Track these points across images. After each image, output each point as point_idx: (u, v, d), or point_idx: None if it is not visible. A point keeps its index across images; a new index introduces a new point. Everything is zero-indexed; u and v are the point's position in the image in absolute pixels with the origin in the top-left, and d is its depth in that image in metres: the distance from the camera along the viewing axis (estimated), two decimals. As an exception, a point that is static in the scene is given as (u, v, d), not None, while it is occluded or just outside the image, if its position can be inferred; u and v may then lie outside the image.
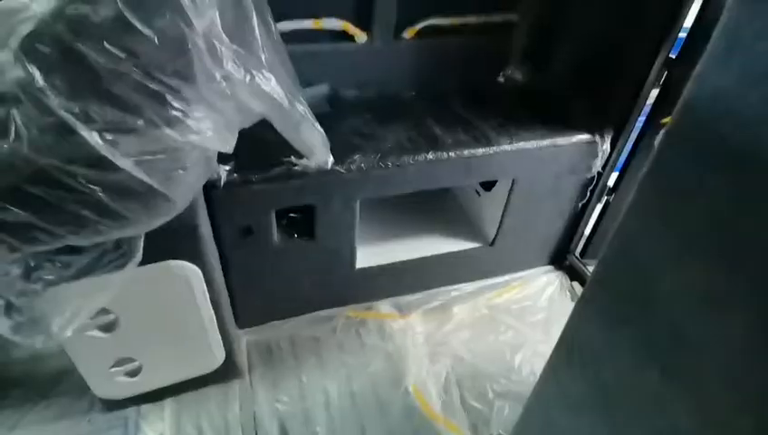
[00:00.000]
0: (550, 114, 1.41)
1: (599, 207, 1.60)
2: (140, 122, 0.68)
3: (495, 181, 1.49)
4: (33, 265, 0.78)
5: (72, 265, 0.81)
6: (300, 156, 1.12)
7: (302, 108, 0.95)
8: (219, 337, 1.16)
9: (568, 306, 1.60)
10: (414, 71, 1.52)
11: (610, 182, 1.53)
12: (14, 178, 0.66)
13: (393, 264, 1.47)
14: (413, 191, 1.31)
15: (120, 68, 0.63)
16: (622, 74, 1.34)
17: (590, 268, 1.61)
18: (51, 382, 1.23)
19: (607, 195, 1.55)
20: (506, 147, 1.30)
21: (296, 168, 1.13)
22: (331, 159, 1.11)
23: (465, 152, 1.27)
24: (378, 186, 1.24)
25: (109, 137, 0.66)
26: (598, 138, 1.38)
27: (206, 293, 1.06)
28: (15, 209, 0.68)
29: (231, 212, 1.15)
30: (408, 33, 1.46)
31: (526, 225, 1.54)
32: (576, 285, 1.66)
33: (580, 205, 1.55)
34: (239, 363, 1.29)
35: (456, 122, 1.35)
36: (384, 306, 1.52)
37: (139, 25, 0.60)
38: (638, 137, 1.41)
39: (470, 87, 1.52)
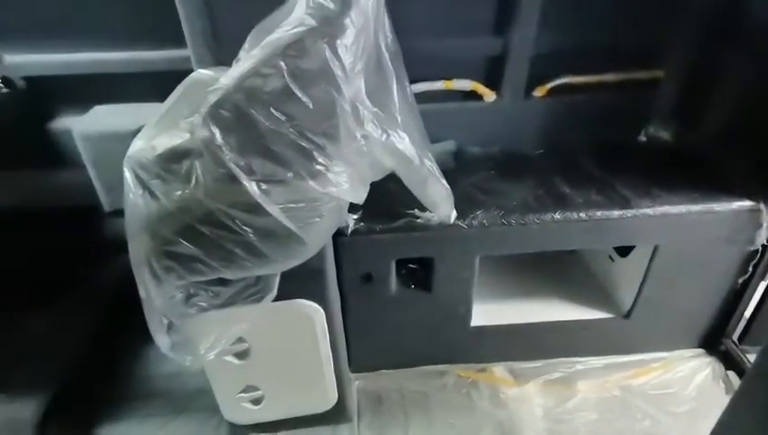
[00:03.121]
0: (702, 177, 1.27)
1: (763, 286, 1.35)
2: (290, 175, 0.77)
3: (632, 247, 1.36)
4: (191, 292, 0.91)
5: (221, 295, 0.92)
6: (423, 209, 1.16)
7: (429, 164, 1.00)
8: (334, 378, 1.20)
9: (721, 399, 1.35)
10: (542, 129, 1.49)
11: (780, 257, 1.30)
12: (189, 218, 0.79)
13: (511, 325, 1.39)
14: (537, 251, 1.26)
15: (279, 129, 0.73)
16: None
17: (752, 357, 1.36)
18: (188, 399, 1.37)
19: (775, 272, 1.31)
20: (647, 210, 1.19)
21: (419, 220, 1.17)
22: (454, 214, 1.13)
23: (599, 214, 1.19)
24: (499, 243, 1.21)
25: (264, 187, 0.77)
26: (763, 206, 1.19)
27: (327, 333, 1.12)
28: (187, 244, 0.80)
29: (355, 259, 1.22)
30: (539, 92, 1.46)
31: (670, 298, 1.36)
32: (732, 374, 1.40)
33: (740, 281, 1.33)
34: (349, 408, 1.31)
35: (587, 182, 1.28)
36: (498, 370, 1.44)
37: (299, 94, 0.70)
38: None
39: (605, 146, 1.44)
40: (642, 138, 1.51)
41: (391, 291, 1.28)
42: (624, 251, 1.41)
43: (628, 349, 1.46)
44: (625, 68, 1.45)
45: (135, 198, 0.80)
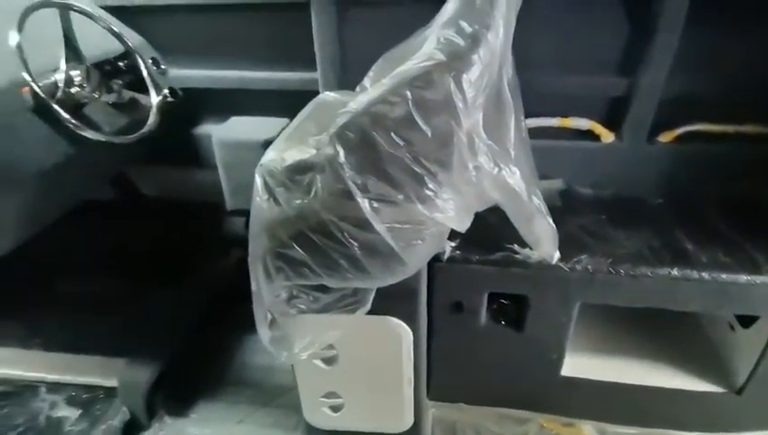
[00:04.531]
0: None
1: None
2: (400, 197, 0.81)
3: (757, 317, 1.20)
4: (294, 293, 0.98)
5: (320, 301, 0.98)
6: (524, 245, 1.13)
7: (537, 201, 0.98)
8: (412, 401, 1.21)
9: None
10: (665, 176, 1.39)
11: None
12: (304, 225, 0.87)
13: (607, 383, 1.29)
14: (646, 307, 1.16)
15: (397, 153, 0.77)
16: None
17: None
18: (274, 394, 1.46)
19: None
20: (781, 279, 1.05)
21: (518, 256, 1.14)
22: (557, 255, 1.09)
23: (724, 276, 1.07)
24: (604, 292, 1.14)
25: (375, 205, 0.81)
26: None
27: (412, 355, 1.13)
28: (298, 249, 0.88)
29: (447, 286, 1.22)
30: (665, 137, 1.36)
31: None
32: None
33: None
34: (423, 434, 1.30)
35: (714, 240, 1.16)
36: (587, 428, 1.33)
37: (420, 122, 0.74)
38: None
39: (738, 202, 1.30)
40: (787, 197, 1.33)
41: (480, 324, 1.26)
42: (747, 321, 1.24)
43: (735, 427, 1.27)
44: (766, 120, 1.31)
45: (261, 202, 0.90)
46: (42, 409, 1.38)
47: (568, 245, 1.14)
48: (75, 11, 1.13)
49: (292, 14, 1.44)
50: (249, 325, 0.98)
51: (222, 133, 1.55)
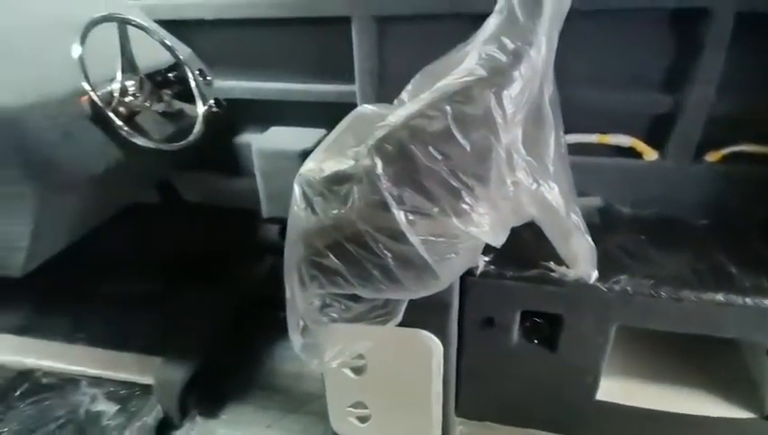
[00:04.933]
0: None
1: None
2: (436, 210, 0.82)
3: None
4: (327, 302, 0.99)
5: (352, 311, 0.99)
6: (560, 262, 1.11)
7: (575, 218, 0.96)
8: (440, 416, 1.19)
9: None
10: (710, 197, 1.34)
11: None
12: (340, 235, 0.88)
13: (643, 410, 1.24)
14: (687, 332, 1.11)
15: (435, 166, 0.78)
16: None
17: None
18: (302, 401, 1.47)
19: None
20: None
21: (553, 274, 1.12)
22: (595, 274, 1.06)
23: (767, 302, 1.02)
24: (643, 315, 1.10)
25: (411, 217, 0.82)
26: None
27: (441, 369, 1.12)
28: (333, 258, 0.89)
29: (479, 301, 1.21)
30: (711, 157, 1.31)
31: None
32: None
33: None
34: (450, 452, 1.28)
35: (759, 265, 1.11)
36: (621, 456, 1.28)
37: (459, 137, 0.74)
38: None
39: None
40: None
41: (512, 341, 1.24)
42: None
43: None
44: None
45: (298, 211, 0.92)
46: (82, 402, 1.43)
47: (606, 264, 1.11)
48: (133, 25, 1.20)
49: (333, 29, 1.48)
50: (280, 332, 1.00)
51: (262, 143, 1.60)
